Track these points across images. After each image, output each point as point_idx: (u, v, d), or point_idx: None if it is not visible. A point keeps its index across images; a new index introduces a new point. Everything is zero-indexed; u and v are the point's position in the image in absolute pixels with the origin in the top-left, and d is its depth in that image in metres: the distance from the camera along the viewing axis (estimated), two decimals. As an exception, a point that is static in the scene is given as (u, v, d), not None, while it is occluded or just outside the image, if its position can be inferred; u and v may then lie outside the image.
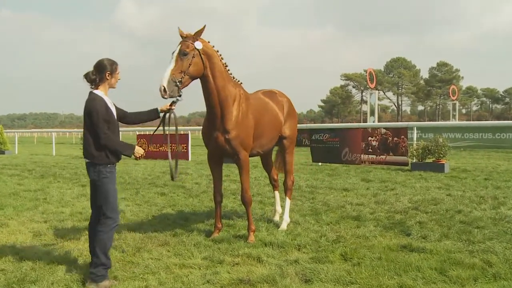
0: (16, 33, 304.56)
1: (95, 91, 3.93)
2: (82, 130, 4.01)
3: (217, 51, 5.01)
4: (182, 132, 18.71)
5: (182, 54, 4.60)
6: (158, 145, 17.02)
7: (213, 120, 5.05)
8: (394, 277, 3.88)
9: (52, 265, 4.33)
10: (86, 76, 3.93)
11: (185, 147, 16.62)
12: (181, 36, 4.76)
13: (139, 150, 4.02)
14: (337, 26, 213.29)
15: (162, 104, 4.53)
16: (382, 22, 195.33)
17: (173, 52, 4.64)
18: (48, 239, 5.39)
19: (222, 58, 5.06)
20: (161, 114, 4.52)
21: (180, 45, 4.67)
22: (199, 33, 4.77)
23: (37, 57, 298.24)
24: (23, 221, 6.42)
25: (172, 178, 4.74)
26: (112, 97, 4.07)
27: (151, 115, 4.45)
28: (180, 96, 4.52)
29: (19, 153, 23.07)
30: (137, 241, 5.18)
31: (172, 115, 4.55)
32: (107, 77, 3.93)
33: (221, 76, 4.96)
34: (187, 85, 4.67)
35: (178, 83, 4.47)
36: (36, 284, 3.87)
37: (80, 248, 4.93)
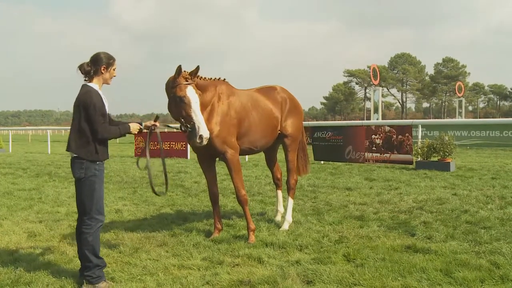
0: (7, 27, 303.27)
1: (89, 84, 3.81)
2: None
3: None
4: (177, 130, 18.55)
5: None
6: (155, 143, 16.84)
7: None
8: (398, 278, 3.79)
9: (47, 267, 4.25)
10: (81, 67, 3.81)
11: (184, 145, 16.54)
12: (185, 78, 4.64)
13: (135, 127, 3.97)
14: (340, 20, 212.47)
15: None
16: (386, 16, 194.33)
17: (191, 102, 4.55)
18: (43, 240, 5.31)
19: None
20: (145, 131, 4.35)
21: (193, 90, 4.62)
22: (195, 73, 4.75)
23: (31, 52, 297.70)
24: (17, 221, 6.33)
25: (155, 193, 4.56)
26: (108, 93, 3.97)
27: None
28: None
29: (13, 152, 22.78)
30: (134, 242, 5.10)
31: (156, 131, 4.44)
32: (102, 71, 3.81)
33: None
34: None
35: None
36: (30, 286, 3.79)
37: (76, 248, 4.80)
